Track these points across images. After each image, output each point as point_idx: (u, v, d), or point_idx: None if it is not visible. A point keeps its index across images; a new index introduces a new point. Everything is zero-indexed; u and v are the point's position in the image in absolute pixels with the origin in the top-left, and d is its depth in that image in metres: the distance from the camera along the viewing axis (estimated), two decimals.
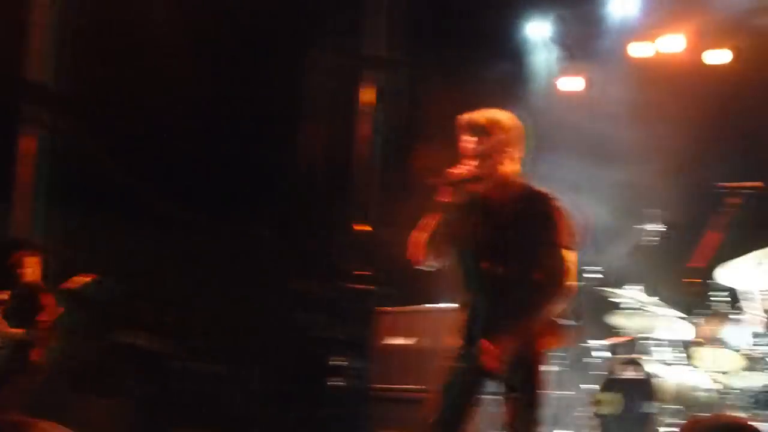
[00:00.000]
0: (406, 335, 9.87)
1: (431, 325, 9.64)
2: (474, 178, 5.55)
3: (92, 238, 11.29)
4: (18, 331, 8.60)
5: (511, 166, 5.59)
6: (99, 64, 11.16)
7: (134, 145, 11.51)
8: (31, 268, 9.02)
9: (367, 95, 12.42)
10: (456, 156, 5.63)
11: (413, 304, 10.14)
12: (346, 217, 12.21)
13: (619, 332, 9.00)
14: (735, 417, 2.70)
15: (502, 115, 5.66)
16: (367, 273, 11.64)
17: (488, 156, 5.55)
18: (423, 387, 9.43)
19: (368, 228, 12.06)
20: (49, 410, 8.86)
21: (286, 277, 12.01)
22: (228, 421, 9.20)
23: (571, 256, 5.41)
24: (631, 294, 8.67)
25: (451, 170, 5.56)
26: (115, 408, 10.76)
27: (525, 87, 11.55)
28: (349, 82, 12.51)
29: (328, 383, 11.19)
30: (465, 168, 5.56)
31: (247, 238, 11.83)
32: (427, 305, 9.83)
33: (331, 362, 11.06)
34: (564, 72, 11.73)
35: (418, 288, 10.63)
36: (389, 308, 10.36)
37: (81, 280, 9.43)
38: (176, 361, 9.81)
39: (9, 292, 8.75)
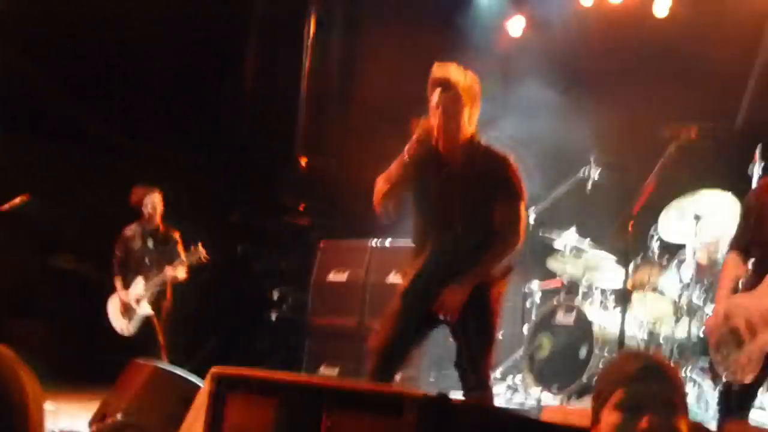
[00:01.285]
0: (345, 269, 9.88)
1: (371, 260, 9.68)
2: (433, 134, 5.73)
3: (25, 160, 11.21)
4: None
5: (470, 123, 5.78)
6: None
7: (75, 68, 11.38)
8: None
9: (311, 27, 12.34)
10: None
11: (354, 238, 10.16)
12: (292, 150, 12.18)
13: (554, 276, 9.07)
14: (659, 356, 2.73)
15: (463, 73, 5.79)
16: (308, 206, 11.65)
17: (449, 111, 5.71)
18: (360, 321, 9.54)
19: (314, 161, 12.04)
20: None
21: (227, 208, 12.00)
22: (157, 349, 9.25)
23: (522, 210, 5.74)
24: (567, 238, 8.72)
25: (415, 123, 5.79)
26: (45, 330, 10.77)
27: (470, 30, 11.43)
28: (297, 12, 12.42)
29: (268, 315, 11.23)
30: (428, 122, 5.74)
31: (186, 166, 11.75)
32: (368, 239, 9.84)
33: (271, 294, 11.09)
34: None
35: (358, 222, 10.70)
36: (330, 241, 10.37)
37: (14, 201, 9.35)
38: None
39: None
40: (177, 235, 9.66)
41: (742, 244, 5.84)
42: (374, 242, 9.76)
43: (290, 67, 12.31)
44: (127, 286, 9.56)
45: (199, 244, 9.49)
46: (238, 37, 12.44)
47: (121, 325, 9.53)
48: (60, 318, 11.06)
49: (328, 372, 9.46)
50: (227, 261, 11.14)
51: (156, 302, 9.51)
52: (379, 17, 12.26)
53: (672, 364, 3.62)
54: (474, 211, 5.73)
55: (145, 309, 9.46)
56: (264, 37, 12.49)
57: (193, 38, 11.64)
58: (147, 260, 9.54)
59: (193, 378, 6.46)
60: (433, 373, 9.09)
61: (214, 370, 5.18)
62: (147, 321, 9.47)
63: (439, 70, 5.81)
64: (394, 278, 9.37)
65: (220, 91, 12.14)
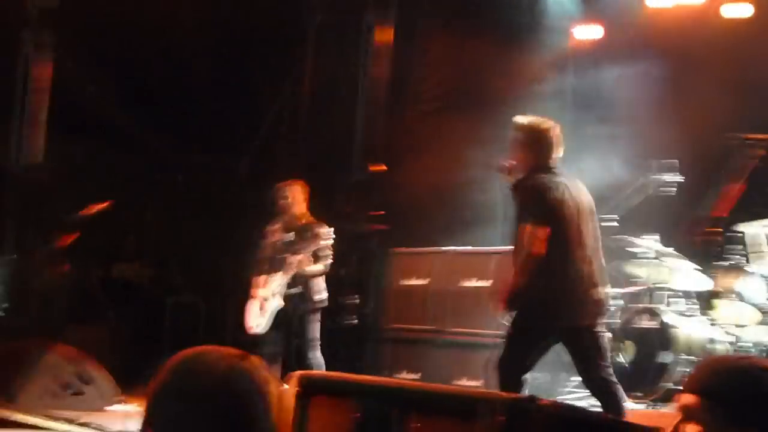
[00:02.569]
0: (419, 276, 9.85)
1: (444, 267, 9.65)
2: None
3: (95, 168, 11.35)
4: None
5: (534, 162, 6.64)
6: None
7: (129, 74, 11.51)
8: None
9: (385, 35, 12.28)
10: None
11: (423, 246, 10.13)
12: (351, 157, 12.16)
13: (635, 281, 8.96)
14: (754, 359, 2.65)
15: (533, 121, 6.79)
16: (379, 213, 11.61)
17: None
18: (435, 328, 9.50)
19: (382, 168, 12.00)
20: (50, 332, 8.95)
21: None
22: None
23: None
24: (647, 243, 8.62)
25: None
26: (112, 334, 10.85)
27: (540, 36, 11.33)
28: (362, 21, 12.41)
29: (341, 322, 11.21)
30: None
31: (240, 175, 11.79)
32: (442, 247, 9.81)
33: (343, 301, 11.07)
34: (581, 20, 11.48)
35: (424, 230, 10.67)
36: (403, 249, 10.34)
37: (96, 206, 9.48)
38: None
39: None
40: (318, 227, 9.20)
41: None
42: (446, 249, 9.73)
43: (350, 73, 12.29)
44: (266, 284, 9.25)
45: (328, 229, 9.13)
46: (297, 44, 12.45)
47: (257, 322, 9.19)
48: (126, 323, 11.14)
49: (409, 372, 9.43)
50: None
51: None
52: (441, 21, 12.23)
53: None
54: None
55: (276, 303, 9.13)
56: (323, 43, 12.48)
57: (250, 45, 11.70)
58: (282, 255, 9.16)
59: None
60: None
61: (299, 373, 5.20)
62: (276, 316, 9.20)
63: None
64: (469, 283, 9.34)
65: (277, 99, 12.16)
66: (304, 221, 9.34)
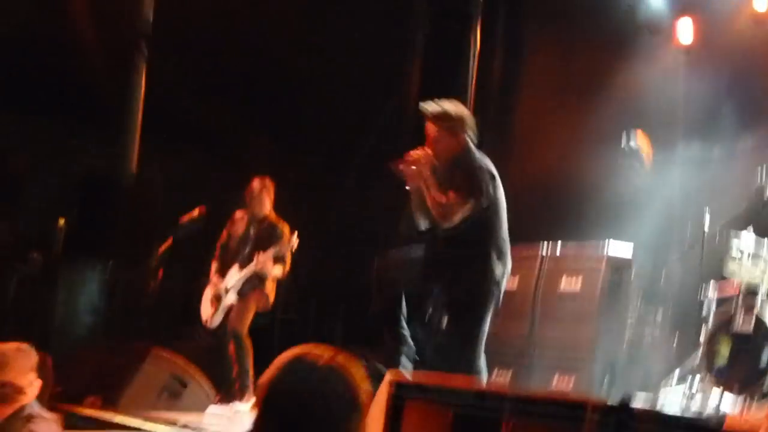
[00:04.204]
0: (515, 275, 9.78)
1: (541, 266, 9.59)
2: None
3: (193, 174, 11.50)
4: None
5: None
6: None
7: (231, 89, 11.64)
8: None
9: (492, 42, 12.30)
10: None
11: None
12: None
13: (731, 281, 8.80)
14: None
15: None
16: None
17: None
18: (530, 328, 9.44)
19: None
20: (157, 337, 9.10)
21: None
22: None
23: None
24: (743, 242, 8.46)
25: None
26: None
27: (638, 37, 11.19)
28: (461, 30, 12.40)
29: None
30: None
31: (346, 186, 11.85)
32: (537, 245, 9.75)
33: None
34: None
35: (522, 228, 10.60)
36: None
37: (192, 213, 9.61)
38: None
39: None
40: (285, 229, 9.25)
41: None
42: (544, 248, 9.66)
43: (455, 84, 12.28)
44: (223, 274, 9.28)
45: (294, 234, 9.14)
46: (402, 57, 12.48)
47: (207, 314, 9.19)
48: None
49: (500, 375, 9.40)
50: None
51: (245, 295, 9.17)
52: (542, 30, 12.18)
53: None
54: None
55: (230, 299, 9.14)
56: (428, 55, 12.50)
57: (356, 58, 11.75)
58: (246, 249, 9.25)
59: None
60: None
61: (391, 375, 5.22)
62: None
63: None
64: (566, 285, 9.28)
65: (384, 111, 12.19)
66: (270, 219, 9.31)
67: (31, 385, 4.90)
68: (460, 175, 6.95)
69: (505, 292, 9.65)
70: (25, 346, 5.06)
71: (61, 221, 10.49)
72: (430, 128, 7.07)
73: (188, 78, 11.50)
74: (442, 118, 7.05)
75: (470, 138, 7.12)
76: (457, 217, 6.83)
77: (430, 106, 7.08)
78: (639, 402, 5.57)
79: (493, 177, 7.01)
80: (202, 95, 11.53)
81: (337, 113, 11.86)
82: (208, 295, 9.31)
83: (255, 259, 9.09)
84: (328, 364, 2.67)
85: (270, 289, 9.30)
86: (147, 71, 11.83)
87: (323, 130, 12.01)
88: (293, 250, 9.18)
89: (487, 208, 6.93)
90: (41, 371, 5.48)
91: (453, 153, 6.99)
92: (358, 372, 2.72)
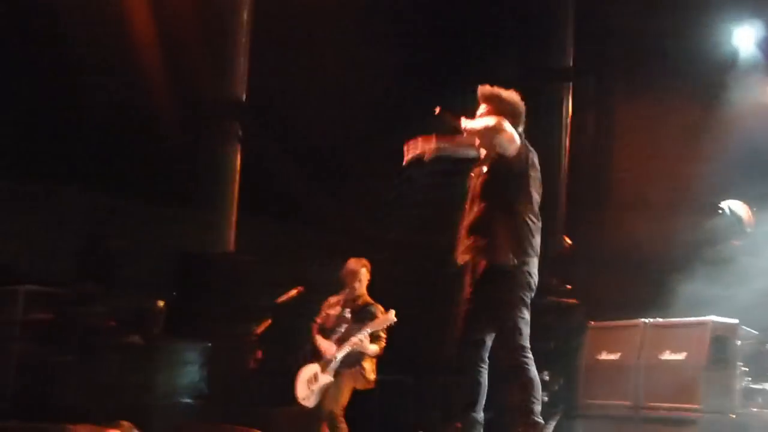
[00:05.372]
0: (617, 348, 9.64)
1: (643, 338, 9.41)
2: None
3: (285, 249, 11.55)
4: None
5: None
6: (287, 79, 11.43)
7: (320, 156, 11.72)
8: None
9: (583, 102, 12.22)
10: None
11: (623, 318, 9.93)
12: (555, 228, 12.06)
13: None
14: None
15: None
16: (570, 286, 11.48)
17: None
18: (628, 403, 9.25)
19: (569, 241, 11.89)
20: (255, 418, 9.09)
21: None
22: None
23: None
24: None
25: None
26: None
27: (729, 96, 11.05)
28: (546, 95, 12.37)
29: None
30: None
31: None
32: (639, 319, 9.58)
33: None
34: None
35: (624, 301, 10.46)
36: (598, 322, 10.16)
37: (291, 293, 9.66)
38: None
39: None
40: (379, 310, 9.40)
41: None
42: (646, 320, 9.48)
43: (549, 145, 12.26)
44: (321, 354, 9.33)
45: (390, 311, 9.26)
46: None
47: (305, 394, 9.24)
48: None
49: None
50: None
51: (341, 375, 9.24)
52: (633, 88, 12.10)
53: None
54: None
55: (326, 378, 9.21)
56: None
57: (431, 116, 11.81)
58: (342, 329, 9.34)
59: None
60: None
61: None
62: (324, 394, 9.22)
63: None
64: (669, 356, 9.08)
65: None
66: (363, 300, 9.44)
67: None
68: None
69: (608, 365, 9.59)
70: (127, 425, 5.10)
71: (161, 303, 10.59)
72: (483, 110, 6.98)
73: (286, 154, 11.64)
74: (490, 98, 6.95)
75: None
76: (511, 137, 6.69)
77: (483, 88, 7.02)
78: None
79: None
80: (300, 171, 11.67)
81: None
82: (305, 375, 9.33)
83: (351, 338, 9.16)
84: None
85: (370, 369, 9.30)
86: (243, 147, 12.01)
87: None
88: (391, 326, 9.23)
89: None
90: None
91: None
92: None
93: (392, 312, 9.26)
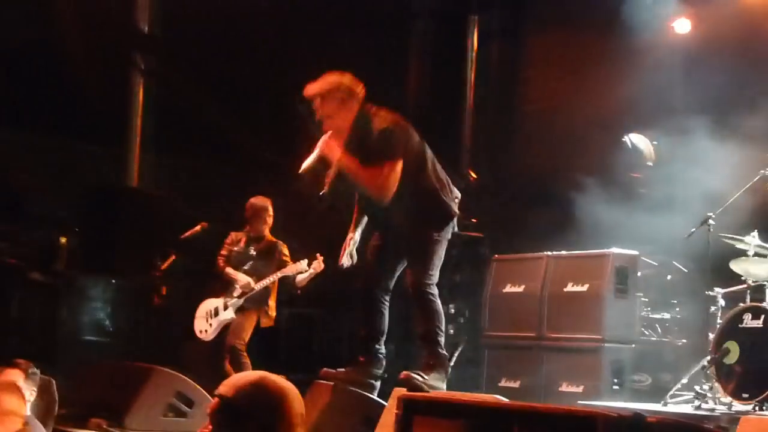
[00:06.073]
0: (521, 281, 9.74)
1: (547, 271, 9.53)
2: None
3: (195, 185, 11.44)
4: None
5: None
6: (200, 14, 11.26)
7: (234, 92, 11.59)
8: None
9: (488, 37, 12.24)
10: None
11: (526, 251, 10.03)
12: (459, 163, 12.11)
13: (739, 279, 8.74)
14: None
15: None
16: (475, 220, 11.55)
17: None
18: (538, 333, 9.41)
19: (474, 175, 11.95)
20: (161, 354, 9.05)
21: None
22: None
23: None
24: (750, 240, 8.40)
25: None
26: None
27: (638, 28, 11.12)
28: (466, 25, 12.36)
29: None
30: None
31: None
32: (540, 252, 9.70)
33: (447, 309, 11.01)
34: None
35: (529, 234, 10.57)
36: (502, 255, 10.25)
37: (195, 229, 9.57)
38: None
39: None
40: (285, 248, 9.38)
41: None
42: (549, 253, 9.60)
43: (453, 79, 12.25)
44: (224, 289, 9.30)
45: (318, 256, 9.24)
46: (400, 52, 12.44)
47: (202, 327, 9.23)
48: None
49: (508, 386, 9.35)
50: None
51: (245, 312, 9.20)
52: (540, 22, 12.13)
53: None
54: None
55: (227, 315, 9.18)
56: (426, 50, 12.47)
57: (356, 55, 11.71)
58: (247, 267, 9.28)
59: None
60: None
61: (400, 392, 5.16)
62: (225, 329, 9.19)
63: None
64: (572, 287, 9.22)
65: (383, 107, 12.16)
66: (267, 239, 9.39)
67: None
68: (372, 143, 6.66)
69: (512, 298, 9.71)
70: (25, 363, 5.04)
71: (63, 239, 10.43)
72: (318, 108, 6.74)
73: (191, 87, 11.47)
74: (323, 92, 6.70)
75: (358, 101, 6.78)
76: (394, 185, 6.53)
77: (308, 89, 6.74)
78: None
79: (404, 128, 6.79)
80: (206, 104, 11.52)
81: None
82: (203, 309, 9.31)
83: (274, 274, 9.17)
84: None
85: (272, 306, 9.29)
86: (146, 81, 11.81)
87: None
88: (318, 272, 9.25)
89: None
90: (45, 394, 5.44)
91: (350, 122, 6.72)
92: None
93: (304, 262, 9.21)
